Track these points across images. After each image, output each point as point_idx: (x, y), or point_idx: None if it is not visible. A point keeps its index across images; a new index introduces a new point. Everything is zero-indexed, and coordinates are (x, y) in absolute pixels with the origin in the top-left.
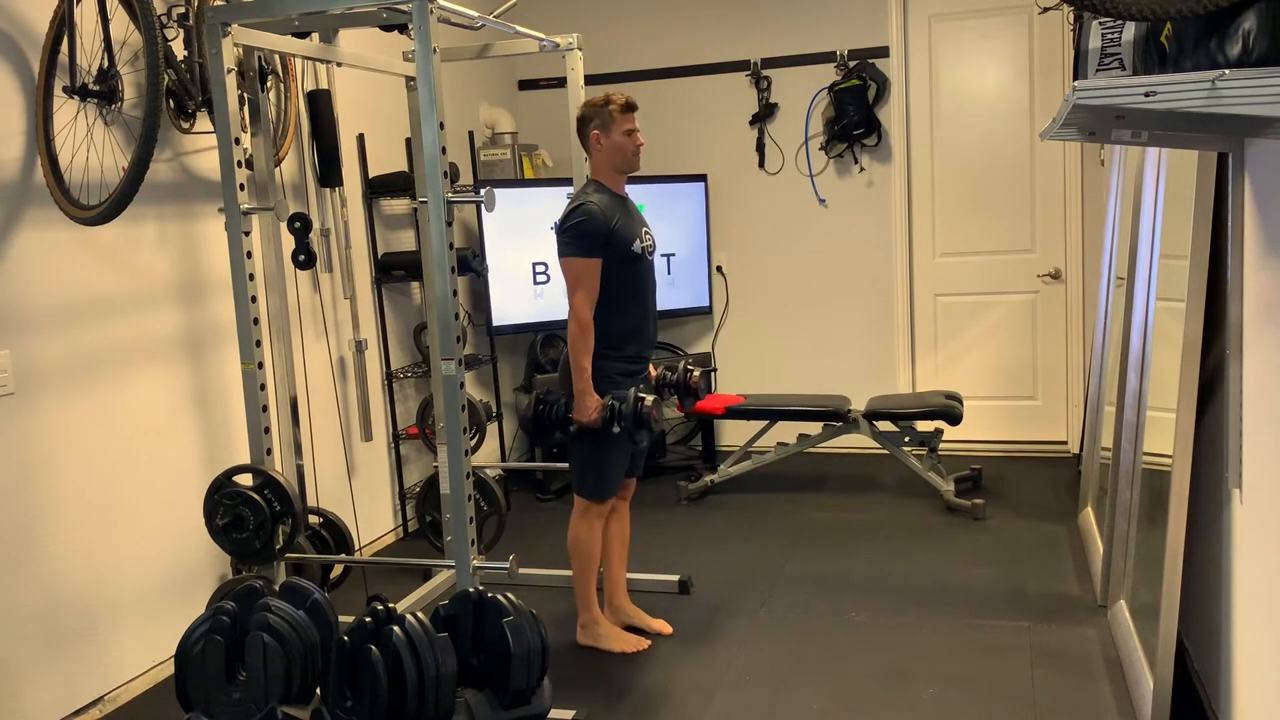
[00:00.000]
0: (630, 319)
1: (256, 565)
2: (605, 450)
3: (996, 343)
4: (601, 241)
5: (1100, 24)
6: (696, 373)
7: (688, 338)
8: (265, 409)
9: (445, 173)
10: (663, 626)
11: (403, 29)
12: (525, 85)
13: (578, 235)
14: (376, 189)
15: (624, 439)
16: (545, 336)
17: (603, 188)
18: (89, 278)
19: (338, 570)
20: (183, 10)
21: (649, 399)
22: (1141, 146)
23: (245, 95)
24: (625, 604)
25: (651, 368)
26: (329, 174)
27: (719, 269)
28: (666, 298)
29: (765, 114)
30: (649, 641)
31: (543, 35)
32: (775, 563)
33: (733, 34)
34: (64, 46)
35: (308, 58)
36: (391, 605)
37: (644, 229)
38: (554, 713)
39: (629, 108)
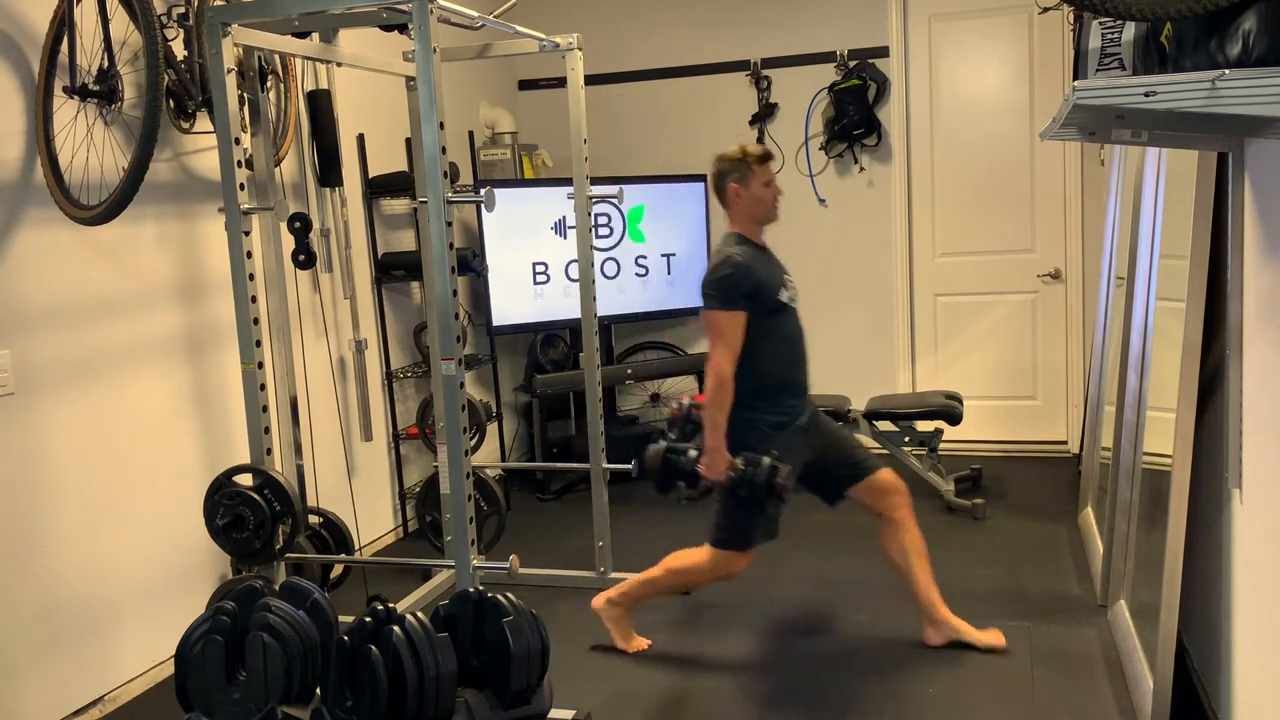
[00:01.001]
0: (781, 369)
1: (256, 565)
2: (755, 507)
3: (996, 343)
4: (747, 294)
5: (1100, 24)
6: (784, 471)
7: (688, 338)
8: (265, 409)
9: (445, 173)
10: (994, 638)
11: (403, 29)
12: (525, 85)
13: (723, 289)
14: (376, 189)
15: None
16: (545, 336)
17: (744, 240)
18: (89, 278)
19: (338, 570)
20: (183, 10)
21: (784, 469)
22: (1141, 146)
23: (245, 95)
24: (948, 618)
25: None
26: (329, 174)
27: None
28: (666, 298)
29: (765, 114)
30: (648, 643)
31: (543, 35)
32: (775, 563)
33: (733, 34)
34: (64, 46)
35: (308, 58)
36: (391, 605)
37: (787, 277)
38: (554, 713)
39: (765, 158)
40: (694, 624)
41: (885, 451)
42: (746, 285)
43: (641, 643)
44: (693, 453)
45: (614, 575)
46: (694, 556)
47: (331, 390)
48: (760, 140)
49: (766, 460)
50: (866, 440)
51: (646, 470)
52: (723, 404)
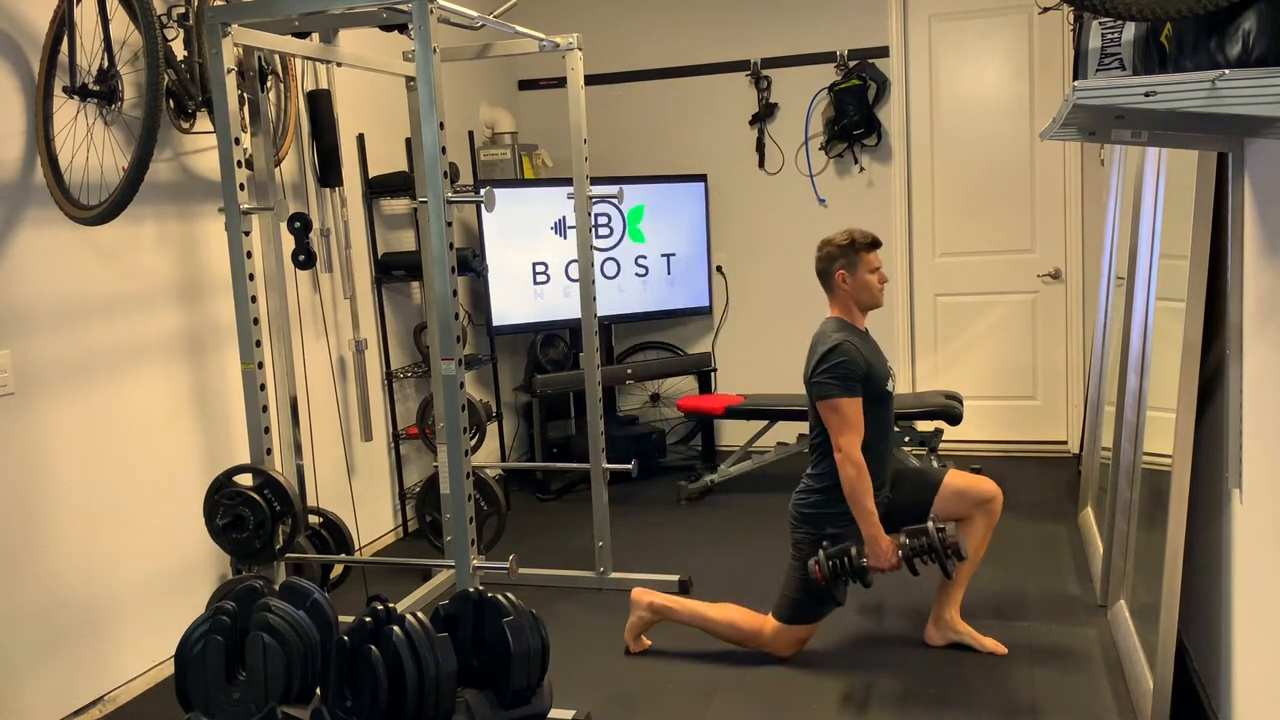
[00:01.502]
0: (873, 459)
1: (256, 565)
2: (825, 583)
3: (996, 343)
4: (861, 379)
5: (1100, 24)
6: (949, 529)
7: (688, 338)
8: (265, 409)
9: (445, 173)
10: (996, 646)
11: (403, 29)
12: (525, 85)
13: (841, 376)
14: (376, 189)
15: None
16: (545, 336)
17: (847, 325)
18: (89, 278)
19: (338, 570)
20: (183, 10)
21: (949, 527)
22: (1141, 146)
23: (245, 95)
24: (955, 620)
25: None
26: (329, 174)
27: (719, 269)
28: (666, 298)
29: (765, 114)
30: (648, 642)
31: (543, 35)
32: (775, 563)
33: (733, 34)
34: (64, 46)
35: (308, 58)
36: (391, 605)
37: (889, 365)
38: (554, 713)
39: (874, 245)
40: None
41: None
42: (860, 372)
43: (643, 643)
44: (853, 549)
45: (614, 575)
46: (757, 622)
47: (331, 390)
48: (761, 141)
49: (931, 525)
50: None
51: (817, 585)
52: (868, 490)
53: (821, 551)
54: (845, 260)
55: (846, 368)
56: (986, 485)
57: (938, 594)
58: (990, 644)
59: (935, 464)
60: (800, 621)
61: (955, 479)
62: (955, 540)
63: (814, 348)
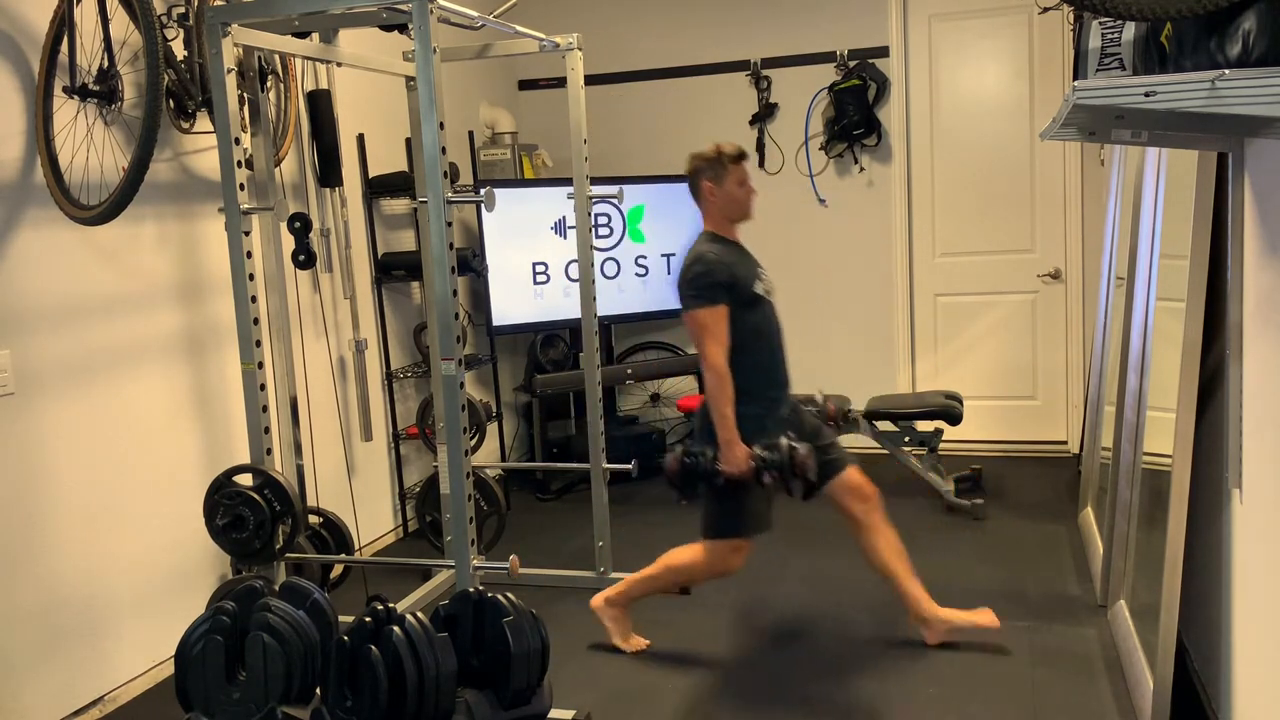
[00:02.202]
0: (760, 362)
1: (256, 565)
2: (746, 493)
3: (996, 343)
4: (724, 286)
5: (1100, 24)
6: (803, 450)
7: (687, 338)
8: (265, 409)
9: (445, 173)
10: (989, 620)
11: (403, 29)
12: (525, 85)
13: (701, 286)
14: (376, 189)
15: (773, 488)
16: (545, 336)
17: (717, 238)
18: (89, 278)
19: (338, 570)
20: (183, 10)
21: (802, 448)
22: (1141, 146)
23: (245, 95)
24: (936, 612)
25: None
26: (329, 174)
27: None
28: (666, 298)
29: (765, 114)
30: (647, 642)
31: (543, 35)
32: (775, 563)
33: (733, 34)
34: (64, 46)
35: (308, 58)
36: (391, 605)
37: (761, 270)
38: (554, 713)
39: (740, 157)
40: (694, 624)
41: (885, 452)
42: (722, 280)
43: (640, 642)
44: (710, 452)
45: (614, 575)
46: (691, 553)
47: (331, 390)
48: (761, 141)
49: (785, 442)
50: (866, 440)
51: (668, 479)
52: (727, 396)
53: (680, 447)
54: (712, 172)
55: (707, 278)
56: (868, 487)
57: (904, 600)
58: (980, 618)
59: (935, 464)
60: (724, 536)
61: (853, 474)
62: (806, 462)
63: (684, 260)
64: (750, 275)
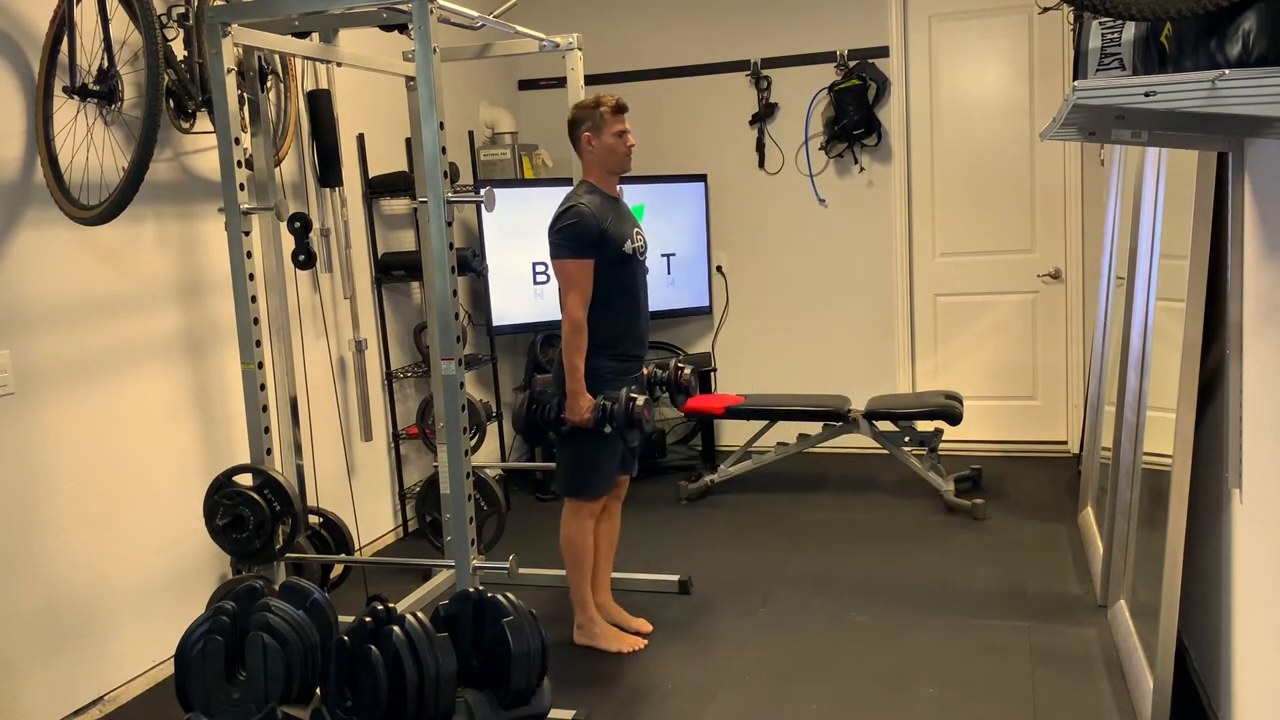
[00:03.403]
0: (622, 318)
1: (256, 565)
2: (595, 449)
3: (996, 343)
4: (593, 242)
5: (1100, 24)
6: (687, 370)
7: (688, 338)
8: (265, 409)
9: (445, 173)
10: (642, 625)
11: (403, 29)
12: (525, 85)
13: (570, 237)
14: (376, 189)
15: (615, 439)
16: (545, 336)
17: (594, 189)
18: (89, 278)
19: (338, 570)
20: (183, 10)
21: (640, 399)
22: (1141, 146)
23: (245, 95)
24: (607, 602)
25: (644, 369)
26: (329, 174)
27: (719, 269)
28: (666, 298)
29: (765, 114)
30: (644, 641)
31: (543, 35)
32: (775, 563)
33: (733, 34)
34: (64, 46)
35: (308, 58)
36: (391, 605)
37: (635, 229)
38: (554, 713)
39: (619, 109)
40: (693, 624)
41: (885, 452)
42: (592, 234)
43: (637, 642)
44: (556, 401)
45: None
46: (563, 526)
47: (331, 390)
48: (761, 141)
49: (624, 393)
50: (867, 440)
51: (514, 424)
52: (580, 348)
53: (527, 394)
54: (591, 123)
55: (576, 229)
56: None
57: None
58: (638, 623)
59: (935, 464)
60: (576, 494)
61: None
62: (644, 413)
63: (558, 208)
64: (622, 233)
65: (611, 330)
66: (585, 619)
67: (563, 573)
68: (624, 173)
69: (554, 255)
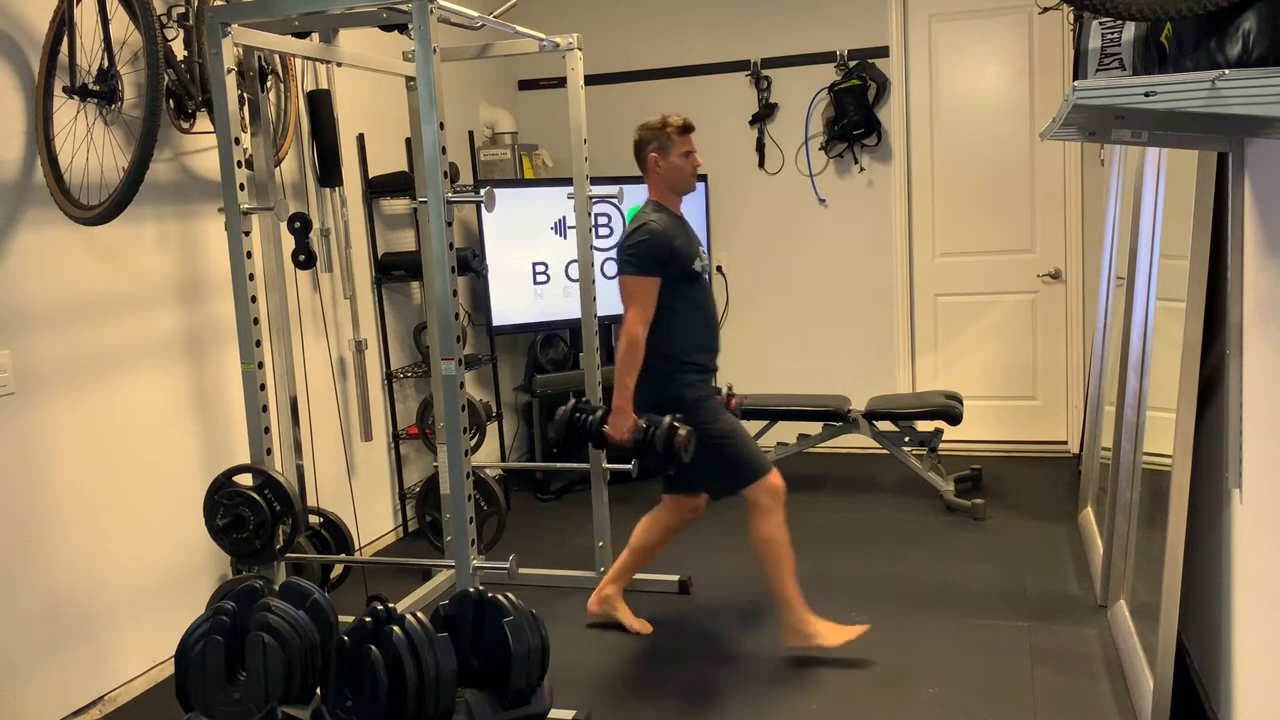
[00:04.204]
0: (697, 332)
1: (256, 565)
2: (726, 439)
3: (996, 343)
4: (662, 260)
5: (1100, 24)
6: (683, 432)
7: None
8: (265, 409)
9: (445, 173)
10: (643, 626)
11: (403, 29)
12: (525, 85)
13: (638, 253)
14: (376, 189)
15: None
16: (545, 336)
17: (662, 208)
18: (89, 278)
19: (338, 570)
20: (183, 10)
21: (683, 430)
22: (1141, 146)
23: (245, 95)
24: (616, 595)
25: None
26: (329, 174)
27: (719, 269)
28: None
29: (765, 114)
30: (865, 627)
31: (543, 35)
32: None
33: (733, 34)
34: (64, 46)
35: (308, 58)
36: (391, 605)
37: (701, 248)
38: (554, 713)
39: (685, 129)
40: (694, 623)
41: (885, 452)
42: (662, 252)
43: (853, 631)
44: (599, 412)
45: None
46: (753, 527)
47: (331, 390)
48: (761, 141)
49: (667, 420)
50: (867, 440)
51: (552, 429)
52: (632, 366)
53: (573, 401)
54: (658, 143)
55: (647, 246)
56: (778, 481)
57: (620, 564)
58: (638, 625)
59: (935, 464)
60: (753, 479)
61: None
62: (684, 444)
63: (627, 227)
64: (690, 252)
65: (687, 343)
66: (796, 619)
67: (566, 572)
68: (689, 192)
69: (620, 270)
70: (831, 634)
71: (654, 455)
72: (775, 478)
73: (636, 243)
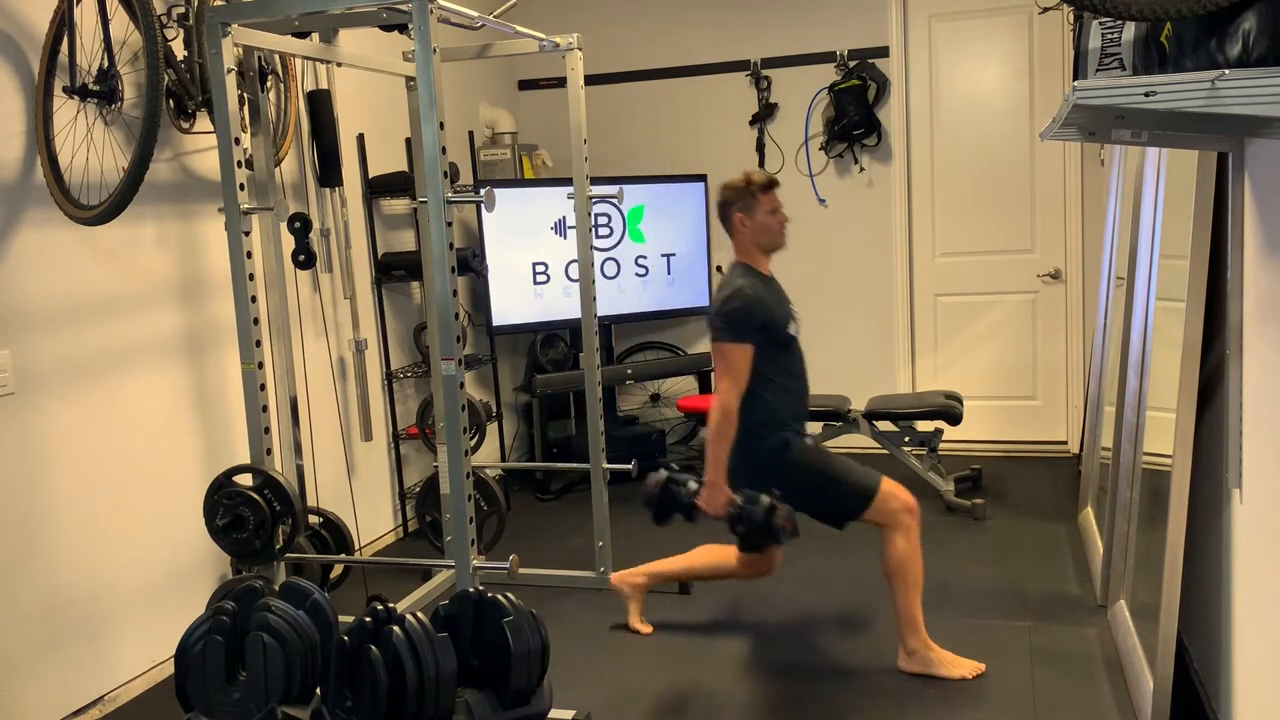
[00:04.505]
0: (789, 400)
1: (256, 565)
2: (829, 475)
3: (996, 343)
4: (756, 326)
5: (1100, 24)
6: (783, 512)
7: (688, 338)
8: (265, 409)
9: (445, 173)
10: (644, 627)
11: (403, 29)
12: (525, 85)
13: (733, 320)
14: (376, 189)
15: (832, 460)
16: (545, 336)
17: (750, 270)
18: (89, 278)
19: (338, 570)
20: (183, 10)
21: (783, 510)
22: (1141, 146)
23: (245, 95)
24: (637, 594)
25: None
26: (329, 174)
27: (719, 269)
28: (666, 298)
29: (765, 114)
30: (982, 666)
31: (543, 35)
32: None
33: (733, 34)
34: (64, 46)
35: (308, 58)
36: (391, 605)
37: (793, 309)
38: (554, 713)
39: (770, 186)
40: (695, 623)
41: (885, 452)
42: (756, 319)
43: (978, 666)
44: (693, 484)
45: (611, 575)
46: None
47: (331, 390)
48: (761, 141)
49: (765, 499)
50: (867, 440)
51: (645, 499)
52: (726, 437)
53: (665, 470)
54: (742, 204)
55: (741, 314)
56: (901, 494)
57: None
58: (641, 624)
59: (935, 464)
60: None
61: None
62: (783, 525)
63: (717, 292)
64: (785, 316)
65: (782, 413)
66: (919, 644)
67: (566, 572)
68: (780, 249)
69: (715, 338)
70: (955, 666)
71: (752, 531)
72: (901, 493)
73: (731, 309)
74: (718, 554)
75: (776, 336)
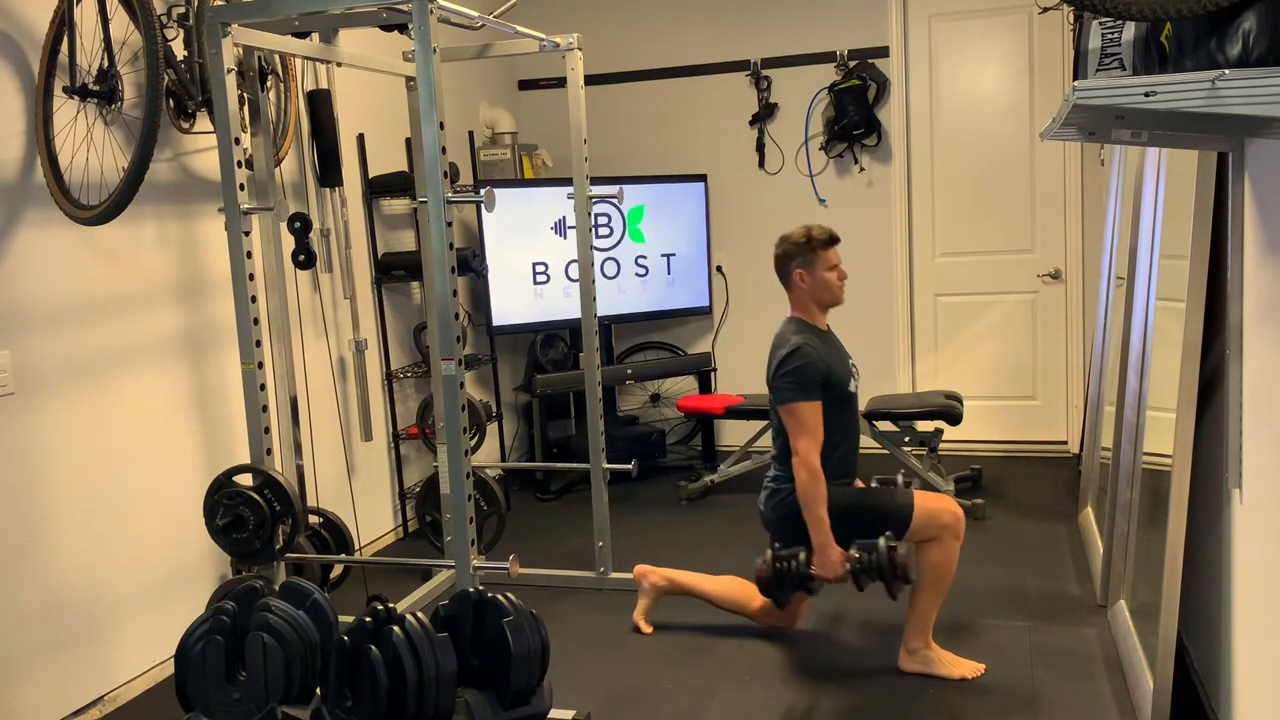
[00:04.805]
0: (837, 460)
1: (256, 565)
2: (865, 507)
3: (996, 343)
4: (820, 383)
5: (1100, 24)
6: (902, 550)
7: (688, 338)
8: (265, 409)
9: (445, 173)
10: (645, 628)
11: (403, 29)
12: (525, 85)
13: (799, 380)
14: (376, 189)
15: (862, 496)
16: (545, 336)
17: (807, 326)
18: (89, 278)
19: (338, 570)
20: (183, 10)
21: (902, 547)
22: (1141, 146)
23: (245, 95)
24: (658, 591)
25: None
26: (329, 174)
27: (719, 269)
28: (666, 298)
29: (765, 114)
30: (982, 667)
31: (543, 35)
32: None
33: (733, 34)
34: (64, 46)
35: (308, 58)
36: (391, 605)
37: (853, 364)
38: (554, 713)
39: (831, 241)
40: (695, 624)
41: (885, 452)
42: (819, 375)
43: (978, 667)
44: (802, 555)
45: (614, 575)
46: (747, 592)
47: (331, 390)
48: (761, 141)
49: (882, 542)
50: (866, 440)
51: (758, 584)
52: (820, 497)
53: (770, 551)
54: (803, 259)
55: (805, 372)
56: (950, 507)
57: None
58: (644, 623)
59: (935, 464)
60: (908, 519)
61: (921, 500)
62: (906, 561)
63: (774, 350)
64: (845, 373)
65: (832, 470)
66: (921, 644)
67: (566, 572)
68: (838, 305)
69: (782, 400)
70: (954, 665)
71: (880, 579)
72: (952, 506)
73: (794, 368)
74: (743, 592)
75: (837, 393)
